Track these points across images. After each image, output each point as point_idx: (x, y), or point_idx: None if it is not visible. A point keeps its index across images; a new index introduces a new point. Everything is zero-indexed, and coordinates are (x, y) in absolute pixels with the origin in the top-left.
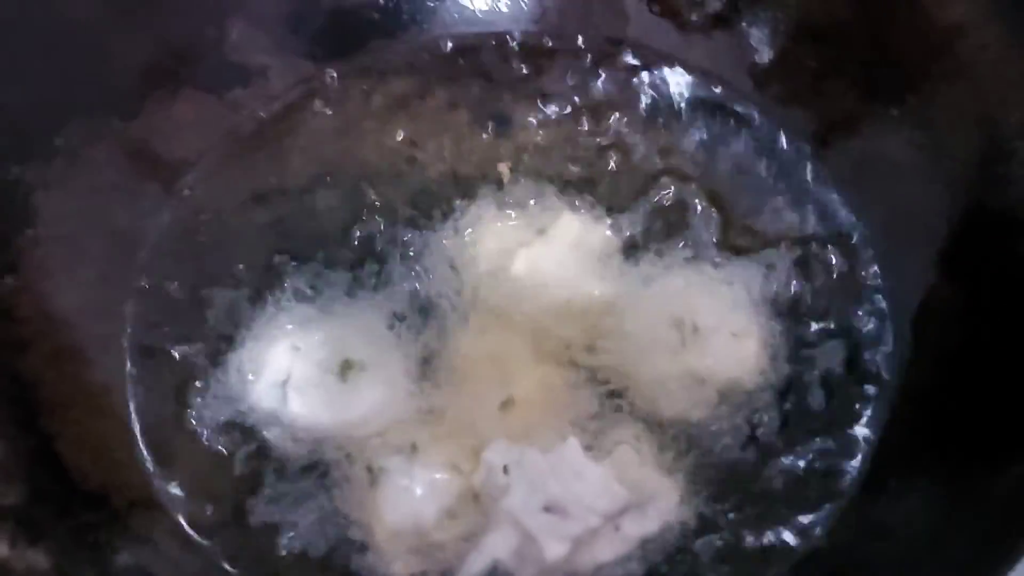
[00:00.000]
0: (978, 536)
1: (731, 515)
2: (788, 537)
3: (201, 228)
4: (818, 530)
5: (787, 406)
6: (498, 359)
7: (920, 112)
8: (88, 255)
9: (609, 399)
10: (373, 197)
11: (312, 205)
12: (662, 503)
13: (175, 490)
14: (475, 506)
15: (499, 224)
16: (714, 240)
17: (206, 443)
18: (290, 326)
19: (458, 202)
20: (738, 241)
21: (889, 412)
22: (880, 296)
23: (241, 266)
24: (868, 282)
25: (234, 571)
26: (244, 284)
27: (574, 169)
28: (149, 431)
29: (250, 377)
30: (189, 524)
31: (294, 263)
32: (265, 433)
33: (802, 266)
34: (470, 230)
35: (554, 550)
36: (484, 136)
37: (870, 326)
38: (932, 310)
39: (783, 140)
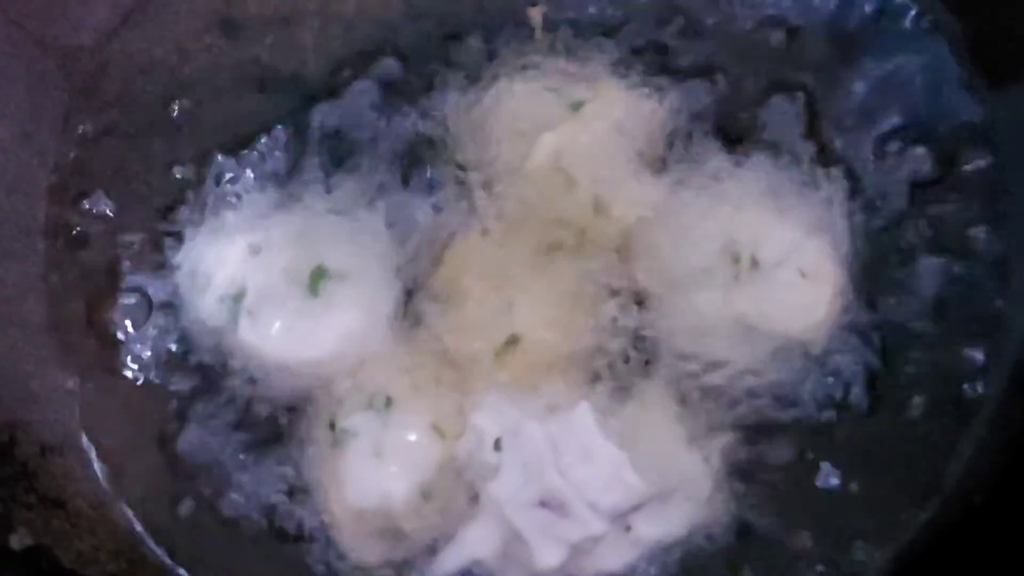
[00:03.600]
0: None
1: (779, 518)
2: (854, 554)
3: (148, 69)
4: (890, 550)
5: (861, 379)
6: (504, 281)
7: None
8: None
9: (636, 346)
10: (370, 40)
11: (292, 45)
12: (689, 497)
13: (94, 433)
14: (457, 483)
15: (522, 92)
16: (797, 141)
17: (132, 369)
18: (250, 217)
19: (474, 57)
20: (828, 144)
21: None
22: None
23: (191, 131)
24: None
25: (157, 549)
26: (193, 156)
27: (631, 28)
28: (66, 348)
29: (195, 285)
30: (107, 479)
31: (261, 129)
32: (207, 363)
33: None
34: (485, 99)
35: (547, 557)
36: None
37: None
38: None
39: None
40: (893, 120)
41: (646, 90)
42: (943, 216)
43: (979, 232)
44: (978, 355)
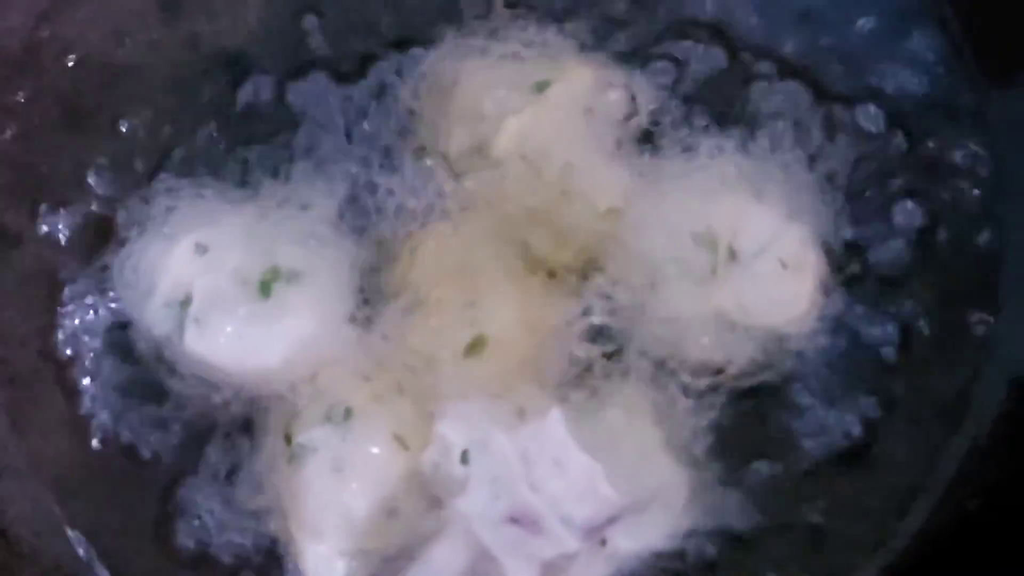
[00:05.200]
0: None
1: (762, 526)
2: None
3: (82, 53)
4: (880, 558)
5: (848, 377)
6: (468, 278)
7: None
8: None
9: (609, 345)
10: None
11: (236, 24)
12: (666, 506)
13: (35, 453)
14: (422, 499)
15: (483, 71)
16: (778, 123)
17: (73, 382)
18: (196, 215)
19: (431, 33)
20: (812, 128)
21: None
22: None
23: (130, 120)
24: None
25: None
26: (133, 147)
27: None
28: (1, 361)
29: (138, 290)
30: (51, 502)
31: (205, 117)
32: (153, 374)
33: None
34: (443, 79)
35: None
36: None
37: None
38: None
39: None
40: (884, 108)
41: (616, 69)
42: (934, 207)
43: (973, 225)
44: (970, 353)
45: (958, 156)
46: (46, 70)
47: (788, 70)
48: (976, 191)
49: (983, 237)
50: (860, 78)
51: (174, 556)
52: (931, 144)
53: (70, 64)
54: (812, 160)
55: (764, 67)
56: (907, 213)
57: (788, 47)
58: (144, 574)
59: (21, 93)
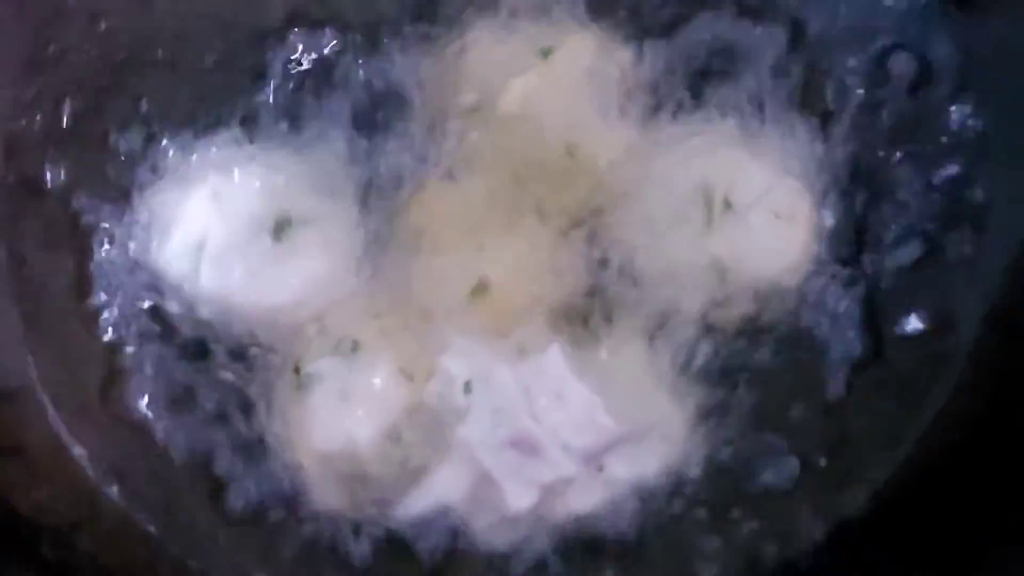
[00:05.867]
0: None
1: (755, 459)
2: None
3: (108, 15)
4: (867, 488)
5: (838, 319)
6: (473, 225)
7: None
8: None
9: (608, 290)
10: None
11: None
12: (663, 437)
13: (50, 381)
14: (425, 427)
15: (490, 39)
16: (771, 79)
17: (90, 317)
18: (211, 164)
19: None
20: (802, 83)
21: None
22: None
23: (148, 79)
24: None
25: (112, 492)
26: (153, 104)
27: None
28: (21, 295)
29: (154, 233)
30: (65, 426)
31: (222, 76)
32: (167, 310)
33: (884, 133)
34: (451, 45)
35: (519, 499)
36: None
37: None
38: None
39: None
40: (868, 57)
41: (618, 37)
42: (920, 153)
43: (956, 171)
44: (956, 294)
45: (945, 105)
46: (74, 30)
47: (783, 27)
48: (965, 135)
49: (971, 178)
50: (855, 33)
51: (183, 476)
52: (917, 93)
53: (96, 25)
54: (806, 115)
55: (762, 28)
56: (898, 157)
57: (783, 5)
58: (155, 497)
59: (50, 51)
